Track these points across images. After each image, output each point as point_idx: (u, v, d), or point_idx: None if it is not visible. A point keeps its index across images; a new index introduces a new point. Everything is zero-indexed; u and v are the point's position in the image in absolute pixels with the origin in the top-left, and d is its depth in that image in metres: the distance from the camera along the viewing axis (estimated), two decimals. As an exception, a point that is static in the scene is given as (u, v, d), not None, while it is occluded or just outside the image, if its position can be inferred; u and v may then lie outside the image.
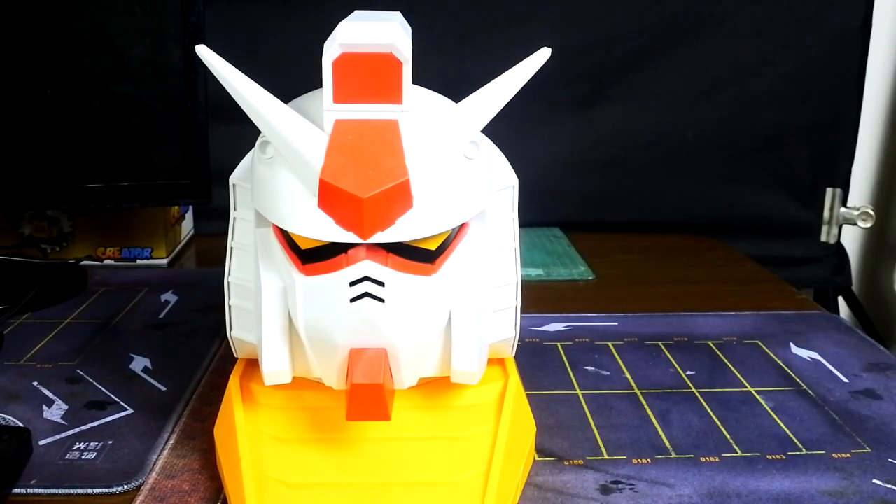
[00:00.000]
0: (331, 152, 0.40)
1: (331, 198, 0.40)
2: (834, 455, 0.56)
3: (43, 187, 0.79)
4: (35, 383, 0.63)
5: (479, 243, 0.46)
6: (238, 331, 0.49)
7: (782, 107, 1.10)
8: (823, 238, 1.17)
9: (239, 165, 0.49)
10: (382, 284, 0.41)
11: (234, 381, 0.51)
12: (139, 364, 0.67)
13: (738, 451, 0.56)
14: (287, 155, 0.42)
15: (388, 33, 0.40)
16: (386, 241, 0.40)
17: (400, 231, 0.40)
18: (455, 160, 0.43)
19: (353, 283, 0.41)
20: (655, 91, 1.08)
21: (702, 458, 0.55)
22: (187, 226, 1.04)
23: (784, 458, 0.55)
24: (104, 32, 0.77)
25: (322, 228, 0.40)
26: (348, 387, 0.42)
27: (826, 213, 1.16)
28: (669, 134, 1.10)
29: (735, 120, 1.10)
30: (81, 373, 0.65)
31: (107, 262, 0.93)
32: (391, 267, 0.41)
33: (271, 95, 0.42)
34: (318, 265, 0.42)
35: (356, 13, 0.45)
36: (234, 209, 0.49)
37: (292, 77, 0.96)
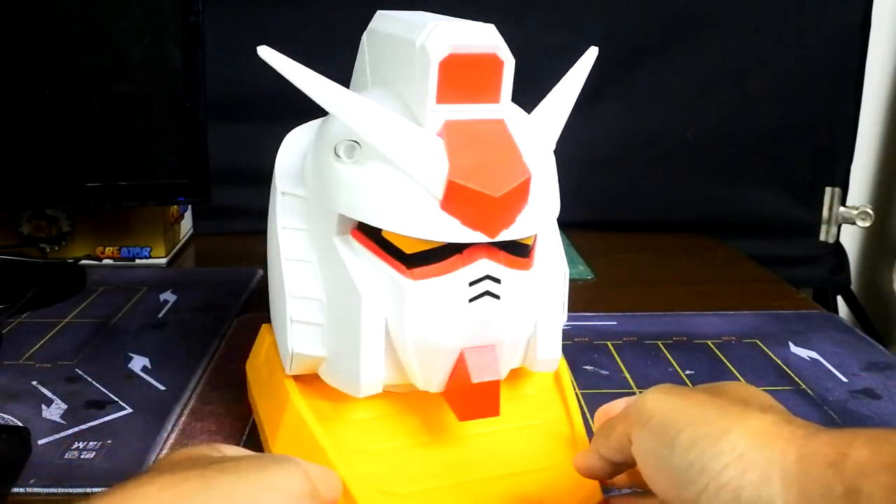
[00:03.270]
0: (452, 153, 0.40)
1: (460, 198, 0.39)
2: (833, 454, 0.56)
3: (42, 186, 0.79)
4: (34, 382, 0.63)
5: (546, 236, 0.48)
6: (303, 346, 0.46)
7: (781, 106, 1.10)
8: (822, 237, 1.17)
9: (282, 173, 0.47)
10: (499, 281, 0.42)
11: (300, 402, 0.48)
12: (138, 363, 0.67)
13: (737, 450, 0.56)
14: (396, 157, 0.40)
15: (492, 34, 0.41)
16: (508, 238, 0.41)
17: (519, 228, 0.41)
18: (549, 159, 0.44)
19: (472, 283, 0.41)
20: (655, 90, 1.08)
21: (701, 458, 0.55)
22: (186, 225, 1.04)
23: (783, 457, 0.55)
24: (103, 32, 0.77)
25: (447, 230, 0.40)
26: (459, 387, 0.42)
27: (825, 213, 1.16)
28: (669, 133, 1.10)
29: (734, 119, 1.10)
30: (80, 372, 0.65)
31: (106, 261, 0.93)
32: (503, 264, 0.42)
33: (356, 93, 0.41)
34: (429, 268, 0.41)
35: (419, 13, 0.45)
36: (281, 219, 0.47)
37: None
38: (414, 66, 0.40)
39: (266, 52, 0.40)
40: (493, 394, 0.43)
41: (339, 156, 0.42)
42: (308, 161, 0.47)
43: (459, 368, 0.43)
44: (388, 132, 0.40)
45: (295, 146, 0.49)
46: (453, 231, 0.40)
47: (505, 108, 0.42)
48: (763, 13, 1.07)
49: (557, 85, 0.45)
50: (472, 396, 0.42)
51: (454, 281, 0.41)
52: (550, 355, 0.47)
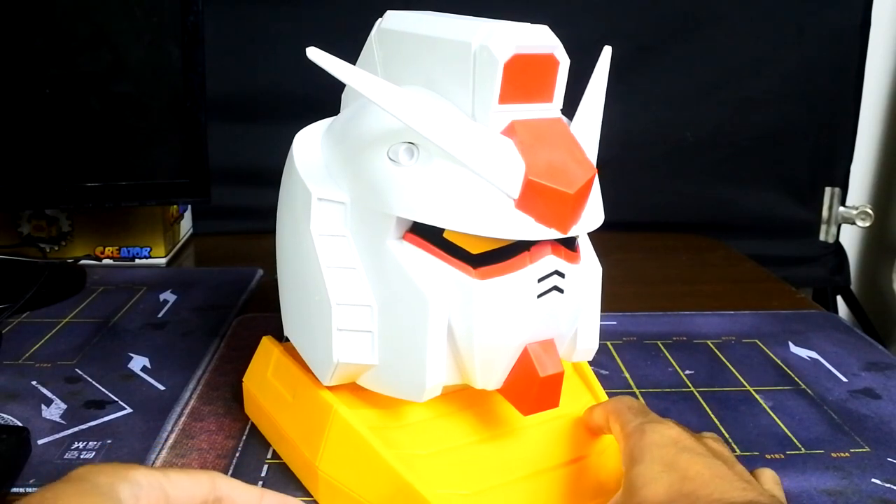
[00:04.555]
0: (525, 152, 0.40)
1: (537, 196, 0.40)
2: (833, 454, 0.56)
3: (42, 186, 0.79)
4: (34, 382, 0.63)
5: None
6: (349, 356, 0.45)
7: (782, 107, 1.10)
8: (822, 237, 1.17)
9: (311, 178, 0.46)
10: (563, 276, 0.42)
11: (348, 413, 0.47)
12: (138, 363, 0.67)
13: (737, 450, 0.56)
14: (466, 158, 0.40)
15: (549, 35, 0.41)
16: (576, 233, 0.42)
17: (585, 223, 0.42)
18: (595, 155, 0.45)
19: (540, 279, 0.42)
20: (655, 90, 1.08)
21: (701, 458, 0.55)
22: (186, 225, 1.04)
23: (783, 457, 0.55)
24: (103, 32, 0.77)
25: (522, 228, 0.40)
26: (521, 382, 0.43)
27: (825, 213, 1.16)
28: (669, 133, 1.10)
29: (734, 119, 1.10)
30: (80, 372, 0.65)
31: (105, 261, 0.93)
32: (564, 259, 0.43)
33: (414, 92, 0.41)
34: (496, 266, 0.41)
35: (436, 14, 0.45)
36: (317, 226, 0.45)
37: (291, 76, 0.96)
38: (467, 66, 0.40)
39: (315, 54, 0.39)
40: (557, 386, 0.43)
41: (394, 159, 0.42)
42: (338, 165, 0.46)
43: (522, 364, 0.43)
44: (455, 133, 0.40)
45: (311, 148, 0.47)
46: (528, 229, 0.40)
47: (557, 106, 0.43)
48: (763, 13, 1.07)
49: (586, 90, 0.46)
50: (536, 391, 0.43)
51: (524, 278, 0.41)
52: (590, 345, 0.48)
